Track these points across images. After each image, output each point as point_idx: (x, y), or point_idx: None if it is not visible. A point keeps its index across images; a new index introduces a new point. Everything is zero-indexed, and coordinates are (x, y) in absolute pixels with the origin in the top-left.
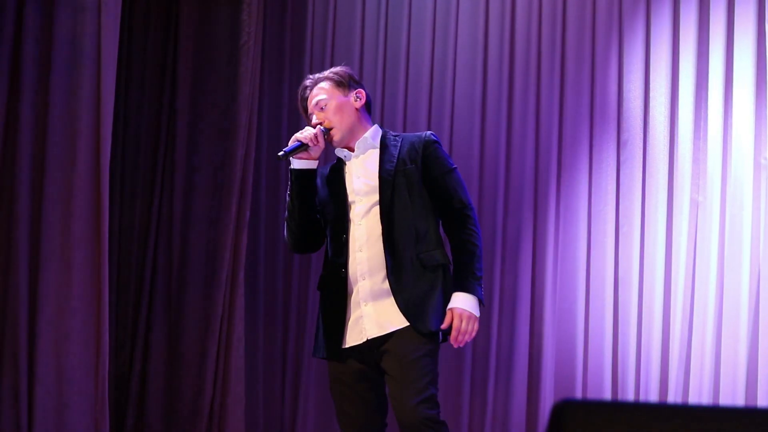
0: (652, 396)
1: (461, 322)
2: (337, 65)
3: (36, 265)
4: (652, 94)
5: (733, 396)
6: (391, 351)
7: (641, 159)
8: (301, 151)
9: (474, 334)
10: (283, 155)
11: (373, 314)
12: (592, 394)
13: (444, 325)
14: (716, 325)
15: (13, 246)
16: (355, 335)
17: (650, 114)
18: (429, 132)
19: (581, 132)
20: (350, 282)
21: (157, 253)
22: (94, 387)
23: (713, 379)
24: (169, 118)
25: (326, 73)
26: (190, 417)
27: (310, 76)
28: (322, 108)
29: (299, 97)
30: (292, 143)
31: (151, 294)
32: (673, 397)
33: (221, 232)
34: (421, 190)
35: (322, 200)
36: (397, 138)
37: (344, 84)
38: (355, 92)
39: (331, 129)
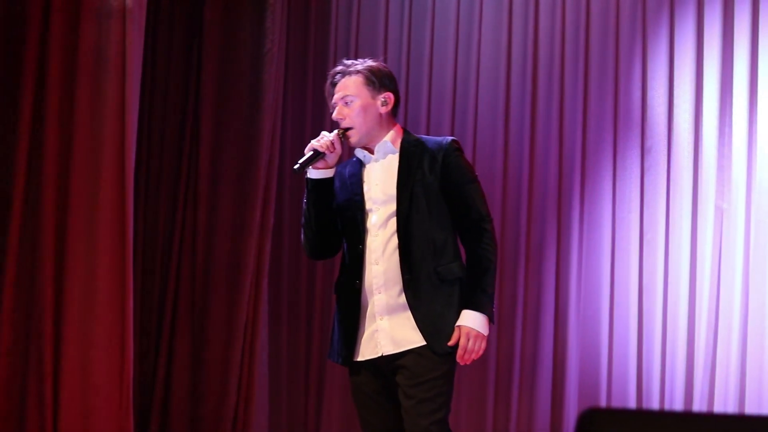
0: (677, 404)
1: (468, 341)
2: None
3: (61, 272)
4: (676, 100)
5: (758, 404)
6: (407, 368)
7: (665, 166)
8: (317, 161)
9: (481, 353)
10: (298, 168)
11: (388, 329)
12: (616, 402)
13: (451, 343)
14: (741, 332)
15: (39, 254)
16: (370, 349)
17: (674, 120)
18: (450, 138)
19: (605, 139)
20: (365, 294)
21: (181, 260)
22: (119, 393)
23: (739, 387)
24: (193, 126)
25: (361, 65)
26: (213, 423)
27: (346, 62)
28: (347, 103)
29: (328, 81)
30: (307, 152)
31: (175, 301)
32: (698, 405)
33: (245, 239)
34: (440, 200)
35: (340, 205)
36: (417, 144)
37: (375, 84)
38: (383, 95)
39: (349, 129)
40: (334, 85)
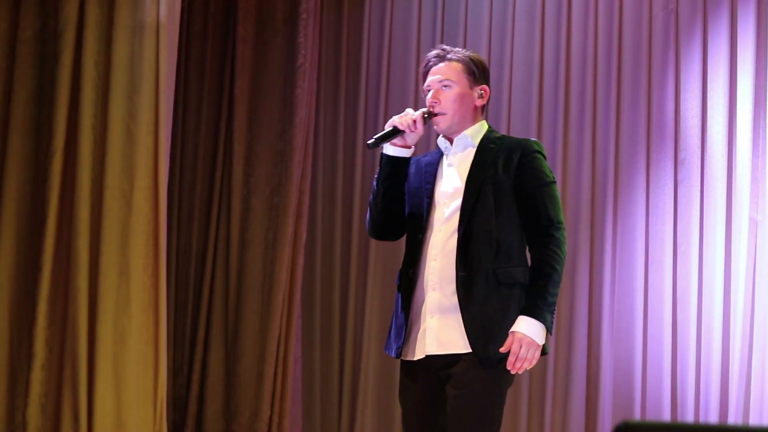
0: (712, 417)
1: (520, 347)
2: (393, 86)
3: (95, 287)
4: (709, 112)
5: None
6: (454, 378)
7: (699, 178)
8: (395, 137)
9: (534, 362)
10: (372, 143)
11: (436, 329)
12: (651, 415)
13: (503, 349)
14: None
15: (73, 269)
16: (419, 349)
17: (708, 132)
18: (533, 139)
19: (638, 151)
20: (421, 289)
21: (214, 274)
22: (153, 409)
23: None
24: (226, 140)
25: (463, 54)
26: None
27: (445, 47)
28: (446, 87)
29: (426, 62)
30: (387, 127)
31: (208, 315)
32: (734, 417)
33: (278, 254)
34: (510, 201)
35: (411, 191)
36: (497, 141)
37: (475, 75)
38: (480, 87)
39: (439, 114)
40: (431, 67)
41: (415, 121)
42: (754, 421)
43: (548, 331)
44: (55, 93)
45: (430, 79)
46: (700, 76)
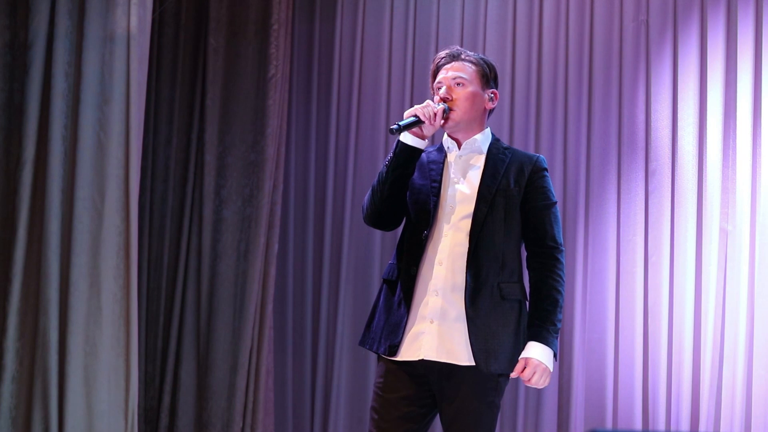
0: (683, 427)
1: (534, 374)
2: (364, 97)
3: (66, 298)
4: (680, 123)
5: (765, 426)
6: (453, 392)
7: (670, 188)
8: (415, 127)
9: (543, 387)
10: (396, 128)
11: (436, 335)
12: (622, 425)
13: (514, 374)
14: (747, 354)
15: (44, 279)
16: (412, 351)
17: (678, 143)
18: (541, 156)
19: (609, 161)
20: (420, 291)
21: (186, 285)
22: (124, 420)
23: (745, 410)
24: (198, 151)
25: (477, 56)
26: None
27: (459, 48)
28: (459, 84)
29: (437, 61)
30: (408, 116)
31: (180, 326)
32: (705, 428)
33: (250, 265)
34: (517, 216)
35: (414, 187)
36: (506, 152)
37: (487, 78)
38: (491, 91)
39: (453, 110)
40: (441, 65)
41: (436, 114)
42: (725, 430)
43: (555, 356)
44: (25, 104)
45: (442, 75)
46: (670, 87)
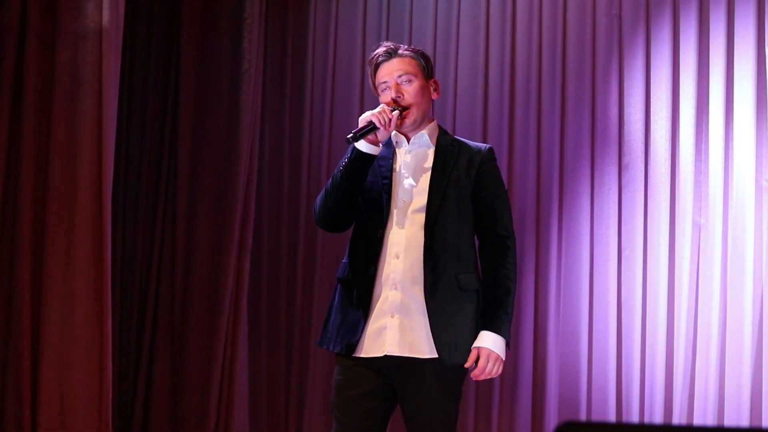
0: (657, 418)
1: (487, 362)
2: (338, 91)
3: (39, 293)
4: (653, 117)
5: (737, 417)
6: (417, 386)
7: (643, 182)
8: (371, 133)
9: (496, 376)
10: (353, 137)
11: (398, 329)
12: (597, 416)
13: (468, 364)
14: (720, 346)
15: (16, 274)
16: (376, 347)
17: (651, 137)
18: (489, 146)
19: (583, 155)
20: (379, 286)
21: (160, 280)
22: (98, 415)
23: (717, 401)
24: (171, 146)
25: (412, 49)
26: None
27: (391, 44)
28: (406, 81)
29: (375, 59)
30: (363, 123)
31: (154, 321)
32: (678, 418)
33: (224, 259)
34: (468, 206)
35: (365, 185)
36: (455, 143)
37: (427, 70)
38: (432, 81)
39: (407, 109)
40: (381, 63)
41: (391, 120)
42: (697, 421)
43: (507, 345)
44: None
45: (384, 73)
46: (643, 81)
